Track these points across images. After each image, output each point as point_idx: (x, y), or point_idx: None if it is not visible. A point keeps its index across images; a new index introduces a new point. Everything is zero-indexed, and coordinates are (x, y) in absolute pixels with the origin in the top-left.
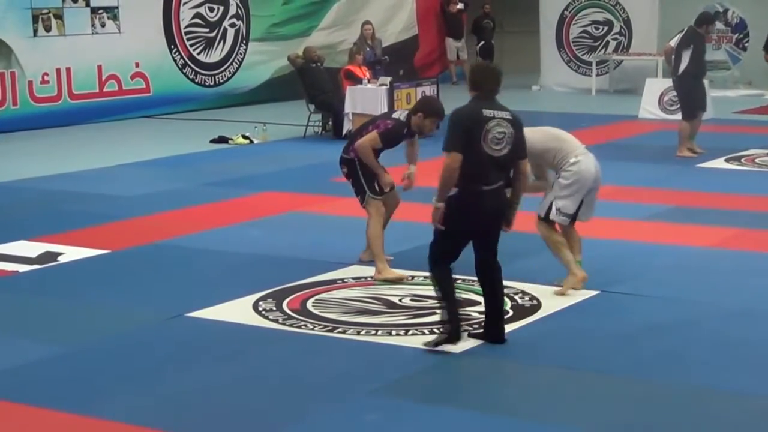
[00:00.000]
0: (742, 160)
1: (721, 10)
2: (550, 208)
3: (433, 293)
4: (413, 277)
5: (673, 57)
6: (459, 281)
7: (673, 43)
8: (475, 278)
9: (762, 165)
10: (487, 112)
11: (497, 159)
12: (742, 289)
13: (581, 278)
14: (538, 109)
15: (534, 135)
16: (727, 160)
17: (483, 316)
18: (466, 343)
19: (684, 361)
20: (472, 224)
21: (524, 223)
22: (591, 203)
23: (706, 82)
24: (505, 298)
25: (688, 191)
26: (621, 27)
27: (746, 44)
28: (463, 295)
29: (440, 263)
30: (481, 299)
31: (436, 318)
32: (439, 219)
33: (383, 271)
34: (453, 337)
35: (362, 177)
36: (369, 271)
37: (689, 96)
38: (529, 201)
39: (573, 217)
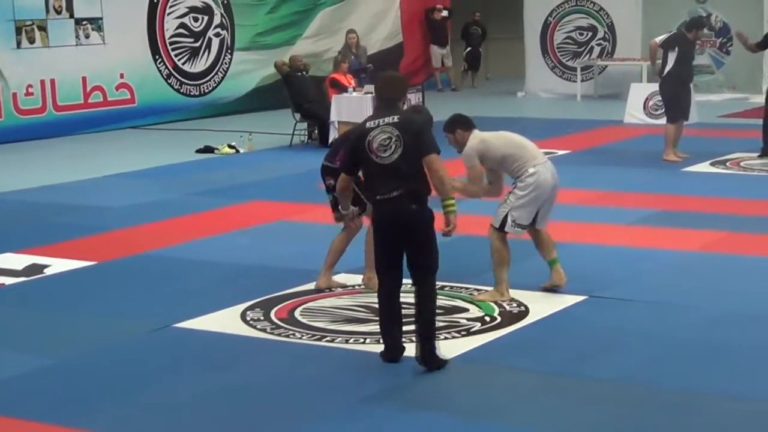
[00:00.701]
0: (727, 163)
1: (704, 14)
2: (505, 219)
3: None
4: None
5: (659, 60)
6: (446, 288)
7: (659, 40)
8: (462, 285)
9: (747, 168)
10: (370, 123)
11: (390, 166)
12: (728, 292)
13: (506, 297)
14: (523, 115)
15: (495, 141)
16: (712, 164)
17: (470, 323)
18: (454, 350)
19: (671, 365)
20: (381, 235)
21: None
22: (547, 212)
23: (690, 87)
24: (436, 320)
25: (673, 195)
26: (605, 32)
27: (730, 48)
28: (450, 302)
29: (379, 275)
30: (469, 306)
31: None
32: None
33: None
34: (382, 354)
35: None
36: (357, 279)
37: (674, 99)
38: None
39: (528, 227)
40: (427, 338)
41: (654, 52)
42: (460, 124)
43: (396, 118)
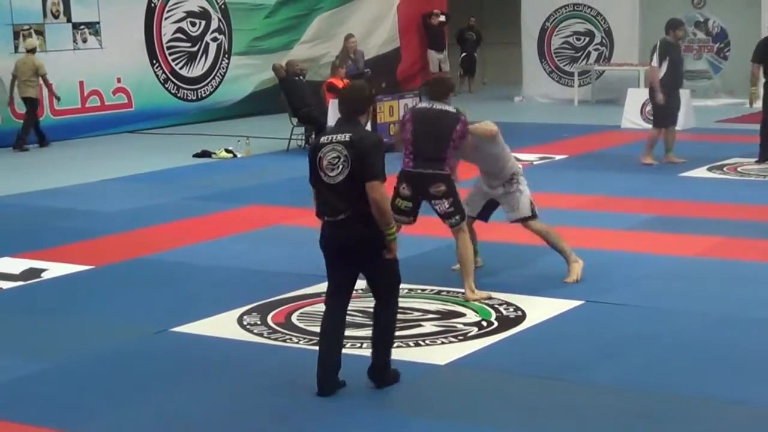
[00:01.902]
0: (725, 168)
1: (701, 19)
2: (533, 205)
3: (417, 305)
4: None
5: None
6: (443, 293)
7: (654, 62)
8: (458, 290)
9: (744, 174)
10: (324, 139)
11: (335, 187)
12: (726, 297)
13: (582, 265)
14: (520, 121)
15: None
16: (709, 169)
17: (467, 328)
18: (451, 354)
19: (669, 370)
20: (326, 258)
21: (506, 234)
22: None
23: (687, 92)
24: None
25: (671, 200)
26: (602, 37)
27: (727, 53)
28: (447, 307)
29: (326, 303)
30: (465, 311)
31: (420, 330)
32: None
33: (476, 291)
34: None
35: (459, 194)
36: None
37: (663, 106)
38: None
39: None
40: (377, 358)
41: (656, 76)
42: None
43: (347, 137)
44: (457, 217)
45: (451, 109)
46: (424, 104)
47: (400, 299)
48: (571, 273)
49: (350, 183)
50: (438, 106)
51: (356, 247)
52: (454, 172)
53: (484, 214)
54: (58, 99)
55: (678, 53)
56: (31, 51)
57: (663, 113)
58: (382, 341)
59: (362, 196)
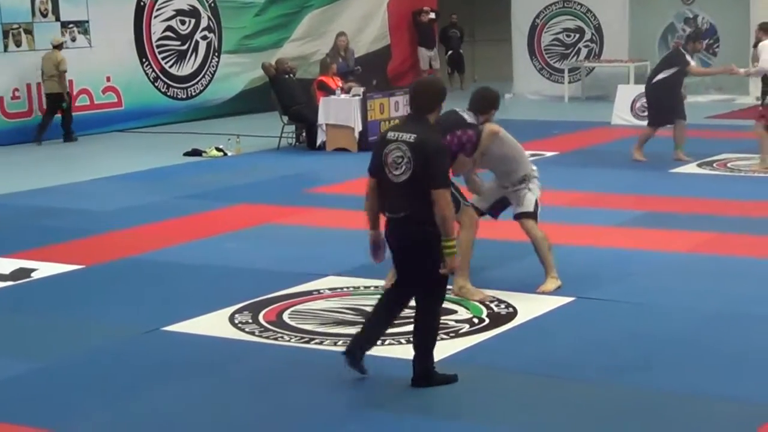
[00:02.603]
0: (714, 164)
1: (691, 16)
2: (536, 204)
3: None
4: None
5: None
6: None
7: (692, 62)
8: (449, 287)
9: (734, 169)
10: (390, 135)
11: (398, 185)
12: (716, 293)
13: (559, 286)
14: (511, 117)
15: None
16: (699, 165)
17: (458, 324)
18: (442, 351)
19: (659, 366)
20: (391, 250)
21: (499, 230)
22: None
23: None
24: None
25: (661, 196)
26: (592, 34)
27: (716, 49)
28: None
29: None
30: (456, 308)
31: (412, 327)
32: (370, 248)
33: (463, 288)
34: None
35: (456, 188)
36: (345, 282)
37: (656, 104)
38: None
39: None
40: (417, 362)
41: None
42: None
43: (412, 138)
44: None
45: (468, 117)
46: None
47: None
48: (546, 284)
49: (412, 184)
50: (463, 112)
51: (412, 246)
52: (468, 177)
53: (495, 211)
54: (65, 100)
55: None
56: (57, 47)
57: (657, 113)
58: (424, 350)
59: (422, 198)
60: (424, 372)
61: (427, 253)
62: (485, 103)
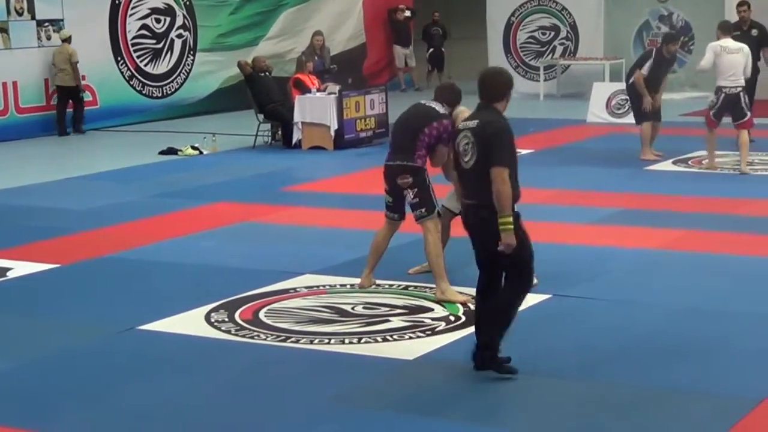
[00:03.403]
0: (689, 162)
1: (665, 13)
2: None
3: (385, 301)
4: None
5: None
6: (411, 288)
7: (644, 71)
8: (427, 285)
9: (708, 167)
10: (461, 125)
11: (468, 172)
12: (691, 289)
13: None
14: None
15: None
16: (674, 163)
17: (435, 322)
18: (419, 349)
19: (634, 362)
20: (470, 236)
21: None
22: None
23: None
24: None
25: (636, 194)
26: (567, 32)
27: (691, 47)
28: (415, 302)
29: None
30: (433, 305)
31: (388, 325)
32: None
33: (446, 291)
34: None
35: (431, 188)
36: (321, 280)
37: (639, 102)
38: None
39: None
40: (482, 336)
41: (642, 82)
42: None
43: (475, 123)
44: (422, 210)
45: (440, 108)
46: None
47: (367, 295)
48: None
49: (478, 169)
50: (431, 104)
51: (488, 230)
52: (447, 167)
53: None
54: (83, 91)
55: (664, 63)
56: (66, 40)
57: (638, 109)
58: (491, 320)
59: (486, 183)
60: (490, 354)
61: (489, 236)
62: (454, 95)
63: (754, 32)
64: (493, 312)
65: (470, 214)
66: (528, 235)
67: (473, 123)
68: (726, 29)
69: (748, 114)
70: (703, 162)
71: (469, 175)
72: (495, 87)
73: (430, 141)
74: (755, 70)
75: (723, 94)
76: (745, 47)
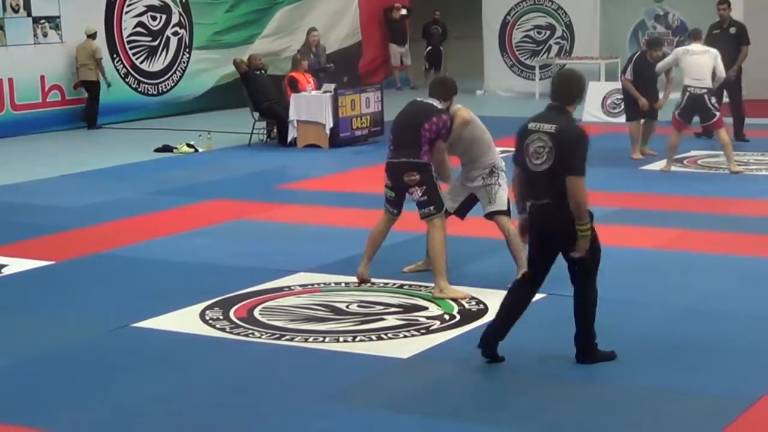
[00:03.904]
0: (685, 161)
1: (661, 13)
2: (509, 201)
3: (379, 299)
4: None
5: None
6: (406, 287)
7: (628, 75)
8: (422, 284)
9: (704, 166)
10: (531, 126)
11: (539, 174)
12: (687, 289)
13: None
14: (482, 114)
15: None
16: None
17: (429, 321)
18: (413, 348)
19: (630, 362)
20: (530, 237)
21: (468, 228)
22: None
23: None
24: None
25: (631, 193)
26: (563, 31)
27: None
28: (410, 301)
29: (526, 272)
30: (428, 304)
31: (383, 324)
32: (519, 230)
33: (445, 289)
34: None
35: (437, 184)
36: (316, 278)
37: (628, 99)
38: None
39: None
40: (580, 341)
41: (631, 86)
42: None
43: (553, 128)
44: (431, 208)
45: (437, 104)
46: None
47: (362, 293)
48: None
49: (552, 173)
50: (428, 100)
51: (555, 232)
52: (442, 164)
53: (461, 211)
54: (109, 85)
55: (651, 70)
56: (91, 36)
57: (634, 107)
58: (584, 329)
59: (562, 186)
60: (587, 348)
61: (573, 237)
62: (447, 89)
63: (732, 30)
64: (585, 318)
65: (540, 215)
66: (597, 235)
67: (550, 127)
68: (695, 36)
69: (717, 114)
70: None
71: (539, 176)
72: (570, 90)
73: (430, 136)
74: (738, 70)
75: (687, 93)
76: (713, 50)
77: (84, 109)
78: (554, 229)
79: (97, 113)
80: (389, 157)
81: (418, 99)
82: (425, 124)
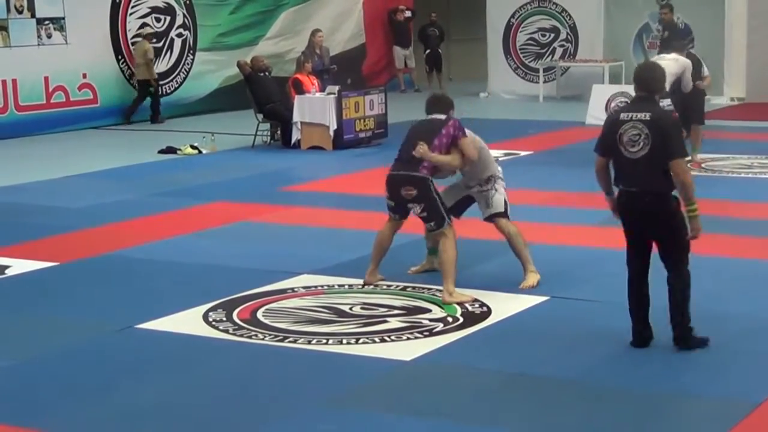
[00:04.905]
0: (689, 164)
1: None
2: (506, 203)
3: (383, 301)
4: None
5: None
6: (409, 289)
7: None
8: (425, 286)
9: (708, 169)
10: (623, 116)
11: (635, 161)
12: (691, 291)
13: (539, 278)
14: (486, 117)
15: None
16: None
17: (432, 323)
18: (417, 350)
19: (632, 365)
20: (624, 224)
21: (471, 230)
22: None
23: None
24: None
25: None
26: (567, 34)
27: (691, 50)
28: (413, 303)
29: (627, 261)
30: (431, 306)
31: (386, 326)
32: (612, 209)
33: (453, 293)
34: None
35: (438, 198)
36: (320, 280)
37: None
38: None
39: None
40: (678, 329)
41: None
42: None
43: (648, 116)
44: (432, 224)
45: (441, 116)
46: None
47: (365, 295)
48: (527, 279)
49: (650, 159)
50: (433, 116)
51: (649, 217)
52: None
53: (458, 210)
54: (154, 86)
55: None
56: (146, 37)
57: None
58: (679, 311)
59: (658, 171)
60: (684, 333)
61: (668, 221)
62: (447, 104)
63: (666, 34)
64: (681, 302)
65: (634, 201)
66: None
67: (644, 115)
68: (679, 48)
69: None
70: None
71: (635, 164)
72: (655, 79)
73: (448, 141)
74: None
75: None
76: (681, 58)
77: (129, 105)
78: (649, 213)
79: (157, 109)
80: (390, 169)
81: (419, 120)
82: (436, 139)
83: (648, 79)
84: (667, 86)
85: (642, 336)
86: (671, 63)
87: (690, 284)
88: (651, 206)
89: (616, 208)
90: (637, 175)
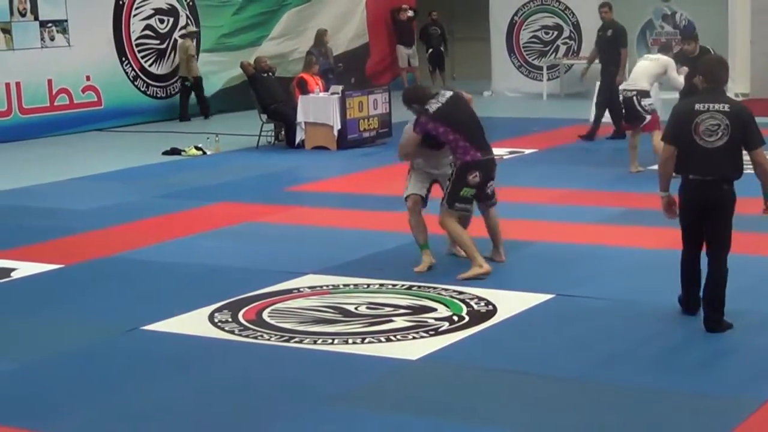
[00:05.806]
0: None
1: (669, 12)
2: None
3: (388, 301)
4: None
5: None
6: (414, 288)
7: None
8: (430, 285)
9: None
10: (699, 107)
11: (711, 150)
12: None
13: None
14: (490, 115)
15: None
16: None
17: (438, 322)
18: (422, 349)
19: (636, 362)
20: (685, 213)
21: (475, 228)
22: None
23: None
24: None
25: (640, 193)
26: (571, 31)
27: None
28: (418, 302)
29: (683, 242)
30: (436, 306)
31: (392, 326)
32: (664, 208)
33: (484, 264)
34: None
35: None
36: (325, 280)
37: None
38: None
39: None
40: (711, 311)
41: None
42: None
43: (726, 107)
44: (495, 199)
45: (416, 110)
46: (430, 106)
47: (371, 294)
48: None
49: (727, 149)
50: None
51: (715, 205)
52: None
53: (426, 197)
54: (190, 83)
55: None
56: (188, 36)
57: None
58: (716, 295)
59: (733, 161)
60: (717, 315)
61: (728, 211)
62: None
63: (609, 32)
64: (719, 291)
65: (703, 190)
66: None
67: (722, 106)
68: (660, 47)
69: (647, 117)
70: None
71: (711, 153)
72: (725, 72)
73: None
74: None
75: (622, 96)
76: (663, 58)
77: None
78: (718, 201)
79: (205, 105)
80: (480, 156)
81: (436, 104)
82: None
83: (717, 72)
84: (648, 86)
85: (696, 300)
86: (651, 63)
87: (727, 272)
88: (723, 194)
89: (671, 205)
90: (714, 164)
